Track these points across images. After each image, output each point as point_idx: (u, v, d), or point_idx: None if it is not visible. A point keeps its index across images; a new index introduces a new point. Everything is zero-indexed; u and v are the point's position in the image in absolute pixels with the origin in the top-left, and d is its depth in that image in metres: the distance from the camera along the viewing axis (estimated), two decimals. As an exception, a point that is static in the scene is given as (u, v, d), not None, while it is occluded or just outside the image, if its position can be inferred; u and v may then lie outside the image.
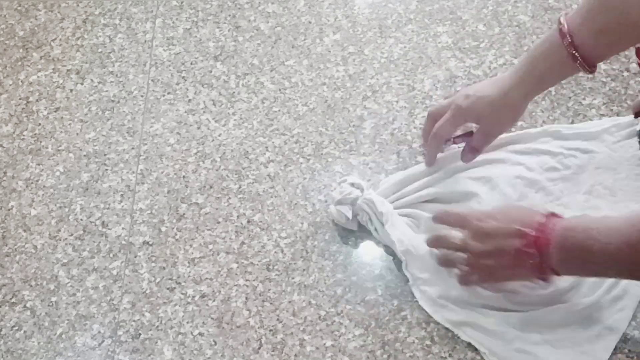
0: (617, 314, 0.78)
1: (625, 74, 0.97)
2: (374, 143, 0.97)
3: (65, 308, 0.87)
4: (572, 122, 0.93)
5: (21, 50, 1.16)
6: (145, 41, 1.14)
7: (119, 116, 1.05)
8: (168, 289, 0.87)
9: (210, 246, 0.90)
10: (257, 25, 1.12)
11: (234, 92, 1.05)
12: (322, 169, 0.95)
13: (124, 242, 0.92)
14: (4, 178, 1.01)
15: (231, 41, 1.11)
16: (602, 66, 0.98)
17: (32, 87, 1.10)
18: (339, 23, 1.11)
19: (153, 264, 0.90)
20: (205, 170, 0.97)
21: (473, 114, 0.83)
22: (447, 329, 0.81)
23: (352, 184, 0.89)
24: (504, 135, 0.90)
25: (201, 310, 0.85)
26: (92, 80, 1.10)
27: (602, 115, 0.93)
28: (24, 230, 0.95)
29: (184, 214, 0.94)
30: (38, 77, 1.12)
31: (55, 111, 1.07)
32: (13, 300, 0.89)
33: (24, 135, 1.05)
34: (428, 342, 0.81)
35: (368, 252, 0.89)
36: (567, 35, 0.74)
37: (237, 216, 0.92)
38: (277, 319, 0.84)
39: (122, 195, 0.96)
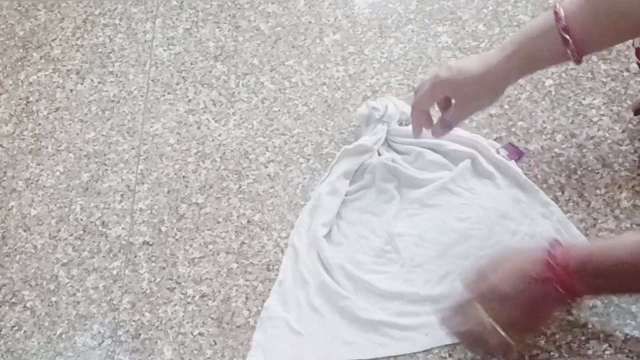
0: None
1: (625, 74, 0.97)
2: (374, 143, 0.97)
3: (65, 308, 0.87)
4: (572, 122, 0.93)
5: (21, 50, 1.16)
6: (145, 41, 1.14)
7: (119, 116, 1.05)
8: (168, 289, 0.87)
9: (210, 246, 0.90)
10: (257, 25, 1.12)
11: (234, 92, 1.05)
12: (322, 169, 0.95)
13: (124, 242, 0.92)
14: (4, 178, 1.01)
15: (231, 41, 1.11)
16: (602, 66, 0.98)
17: (32, 87, 1.10)
18: (339, 23, 1.10)
19: (153, 264, 0.90)
20: (205, 170, 0.97)
21: (451, 86, 0.81)
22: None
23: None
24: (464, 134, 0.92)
25: (201, 310, 0.85)
26: (92, 80, 1.10)
27: (602, 115, 0.93)
28: (24, 230, 0.95)
29: (184, 214, 0.94)
30: (38, 77, 1.12)
31: (55, 111, 1.07)
32: (13, 300, 0.89)
33: (24, 135, 1.05)
34: (428, 342, 0.81)
35: (368, 252, 0.89)
36: (562, 19, 0.73)
37: (237, 216, 0.92)
38: (277, 319, 0.84)
39: (122, 195, 0.96)
